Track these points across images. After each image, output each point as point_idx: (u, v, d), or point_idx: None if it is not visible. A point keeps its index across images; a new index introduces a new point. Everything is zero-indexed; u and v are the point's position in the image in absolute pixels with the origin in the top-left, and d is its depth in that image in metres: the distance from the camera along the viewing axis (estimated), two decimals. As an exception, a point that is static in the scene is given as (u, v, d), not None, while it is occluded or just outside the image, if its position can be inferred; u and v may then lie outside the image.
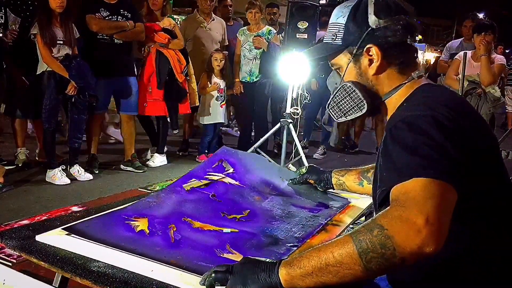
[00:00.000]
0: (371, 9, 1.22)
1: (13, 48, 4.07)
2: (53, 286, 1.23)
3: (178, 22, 5.25)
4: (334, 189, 1.79)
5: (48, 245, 1.22)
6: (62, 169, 4.06)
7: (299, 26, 4.56)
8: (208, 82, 4.97)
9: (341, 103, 1.29)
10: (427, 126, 1.02)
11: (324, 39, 1.33)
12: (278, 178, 1.87)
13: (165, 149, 4.99)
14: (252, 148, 4.66)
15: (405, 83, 1.23)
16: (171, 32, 4.73)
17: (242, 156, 1.95)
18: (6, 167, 3.99)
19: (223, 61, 4.98)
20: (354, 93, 1.25)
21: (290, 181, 1.85)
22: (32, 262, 1.18)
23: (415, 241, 0.88)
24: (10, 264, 1.30)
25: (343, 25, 1.25)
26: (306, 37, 4.60)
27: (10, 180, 3.88)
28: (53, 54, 3.84)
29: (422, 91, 1.21)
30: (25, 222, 1.39)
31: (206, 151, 5.10)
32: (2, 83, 4.09)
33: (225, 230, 1.41)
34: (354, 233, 0.93)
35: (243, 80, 5.19)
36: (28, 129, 4.71)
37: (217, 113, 5.03)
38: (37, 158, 4.53)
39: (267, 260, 1.01)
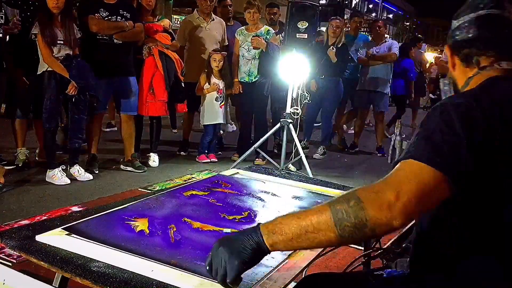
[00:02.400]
0: (460, 9, 1.27)
1: (13, 48, 4.07)
2: (53, 286, 1.23)
3: (177, 22, 5.26)
4: None
5: (48, 245, 1.22)
6: (62, 169, 4.07)
7: (299, 26, 4.57)
8: (207, 83, 4.97)
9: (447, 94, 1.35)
10: (456, 116, 1.04)
11: None
12: (276, 188, 1.91)
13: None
14: (252, 148, 4.66)
15: (473, 76, 1.24)
16: (170, 33, 4.75)
17: (237, 179, 2.03)
18: (6, 167, 3.99)
19: (222, 62, 4.97)
20: (447, 87, 1.34)
21: None
22: (32, 262, 1.19)
23: (385, 215, 0.95)
24: (10, 264, 1.30)
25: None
26: (306, 37, 4.61)
27: (10, 180, 3.88)
28: (53, 54, 3.85)
29: (486, 81, 1.20)
30: (25, 222, 1.40)
31: (206, 151, 5.10)
32: (2, 83, 4.09)
33: (225, 230, 1.42)
34: (332, 203, 1.00)
35: (242, 80, 5.17)
36: None
37: (216, 114, 5.02)
38: (37, 158, 4.54)
39: (241, 230, 1.08)
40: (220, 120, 5.06)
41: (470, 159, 1.00)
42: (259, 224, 1.04)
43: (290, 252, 1.29)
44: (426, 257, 1.17)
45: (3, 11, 3.99)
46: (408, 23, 41.04)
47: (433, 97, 9.34)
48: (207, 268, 1.04)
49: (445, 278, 1.12)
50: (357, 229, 0.96)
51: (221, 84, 4.99)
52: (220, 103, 5.02)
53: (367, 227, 0.96)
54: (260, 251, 1.01)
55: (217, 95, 4.98)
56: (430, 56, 13.46)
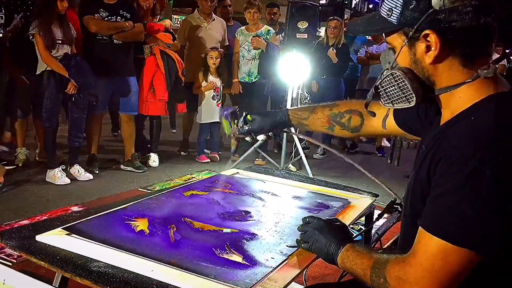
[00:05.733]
0: None
1: (12, 47, 4.06)
2: (53, 286, 1.23)
3: (177, 22, 5.27)
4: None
5: (48, 245, 1.22)
6: (62, 169, 4.07)
7: (299, 26, 4.57)
8: (204, 81, 4.96)
9: (388, 89, 1.12)
10: (487, 182, 0.91)
11: (380, 10, 1.10)
12: (276, 188, 1.91)
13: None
14: (252, 148, 4.66)
15: (468, 81, 1.03)
16: (172, 33, 4.75)
17: (237, 179, 2.02)
18: (6, 167, 3.99)
19: (219, 59, 4.96)
20: (403, 83, 1.08)
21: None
22: (32, 262, 1.19)
23: None
24: (10, 264, 1.30)
25: (402, 0, 1.04)
26: (306, 37, 4.61)
27: (10, 180, 3.88)
28: (52, 54, 3.84)
29: (499, 105, 1.00)
30: (25, 222, 1.40)
31: (204, 150, 5.10)
32: (2, 83, 4.09)
33: (225, 230, 1.42)
34: (374, 269, 1.07)
35: (242, 81, 5.18)
36: None
37: (213, 112, 5.01)
38: (37, 158, 4.54)
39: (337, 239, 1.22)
40: (217, 119, 5.03)
41: (505, 231, 0.92)
42: (343, 246, 1.18)
43: (290, 252, 1.29)
44: None
45: (2, 10, 3.98)
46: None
47: None
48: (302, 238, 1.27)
49: None
50: None
51: (218, 83, 4.99)
52: (217, 102, 5.01)
53: None
54: (330, 259, 1.21)
55: (214, 94, 4.97)
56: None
